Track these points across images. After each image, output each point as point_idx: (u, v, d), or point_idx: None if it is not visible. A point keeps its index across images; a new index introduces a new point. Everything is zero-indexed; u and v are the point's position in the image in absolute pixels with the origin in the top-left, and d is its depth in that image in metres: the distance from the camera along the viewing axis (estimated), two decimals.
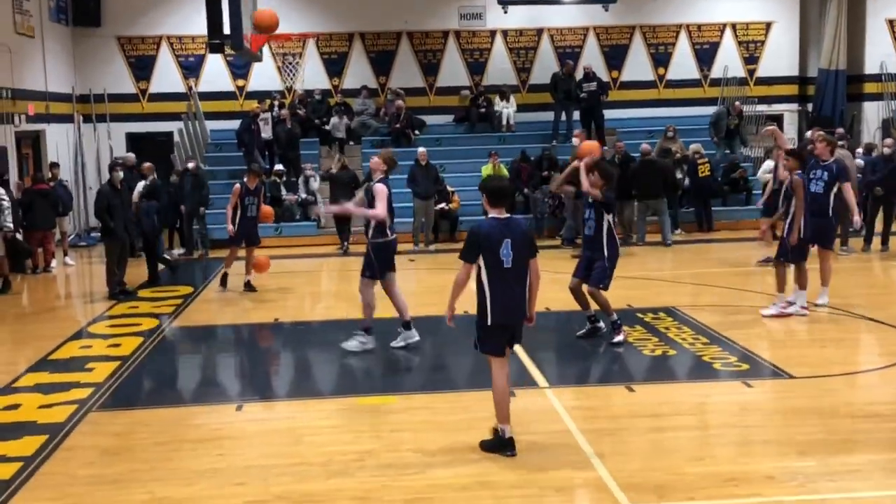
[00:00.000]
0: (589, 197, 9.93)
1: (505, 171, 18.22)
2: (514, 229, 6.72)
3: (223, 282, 13.84)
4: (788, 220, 10.88)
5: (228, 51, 13.02)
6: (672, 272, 14.72)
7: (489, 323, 6.73)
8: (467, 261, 6.72)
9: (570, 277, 10.23)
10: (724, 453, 6.77)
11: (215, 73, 22.38)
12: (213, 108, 22.26)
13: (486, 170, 18.22)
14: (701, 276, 13.68)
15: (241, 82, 22.62)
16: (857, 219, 11.84)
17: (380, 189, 9.83)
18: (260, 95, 21.60)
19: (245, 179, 13.86)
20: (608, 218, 9.88)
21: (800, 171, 10.83)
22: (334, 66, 22.84)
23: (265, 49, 19.68)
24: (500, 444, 6.77)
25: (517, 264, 6.67)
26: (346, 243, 17.72)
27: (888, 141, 16.23)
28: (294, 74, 21.41)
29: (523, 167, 18.94)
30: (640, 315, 11.33)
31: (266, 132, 20.32)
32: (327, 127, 21.27)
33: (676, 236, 18.28)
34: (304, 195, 19.46)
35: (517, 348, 9.79)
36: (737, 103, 21.45)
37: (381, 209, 9.78)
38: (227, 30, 11.97)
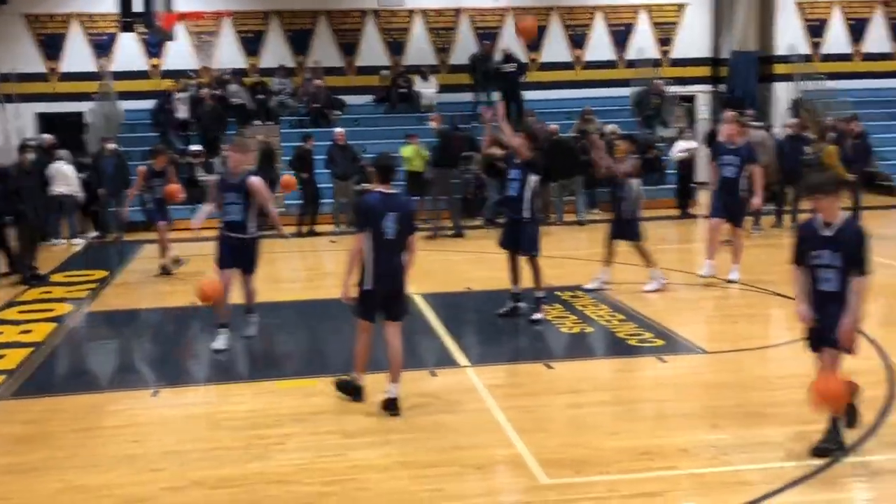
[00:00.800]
0: (515, 158, 9.99)
1: (426, 154, 18.16)
2: (397, 204, 7.28)
3: (176, 262, 13.60)
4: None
5: (141, 29, 12.72)
6: (589, 251, 14.86)
7: (365, 288, 7.22)
8: (359, 231, 7.24)
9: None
10: (640, 427, 6.92)
11: (129, 52, 21.84)
12: (127, 88, 21.72)
13: (406, 151, 18.14)
14: (617, 255, 13.87)
15: (155, 61, 22.12)
16: (756, 201, 12.20)
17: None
18: (175, 74, 21.17)
19: (151, 161, 13.62)
20: (533, 179, 9.89)
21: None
22: (251, 44, 22.49)
23: (180, 28, 19.31)
24: (350, 388, 7.59)
25: (398, 237, 7.19)
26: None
27: (791, 121, 16.68)
28: (209, 53, 21.04)
29: (456, 137, 18.72)
30: (558, 293, 11.45)
31: (182, 112, 19.94)
32: (234, 100, 20.83)
33: (593, 215, 18.49)
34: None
35: (438, 327, 9.91)
36: (657, 82, 21.73)
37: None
38: (138, 8, 11.68)
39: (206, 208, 9.88)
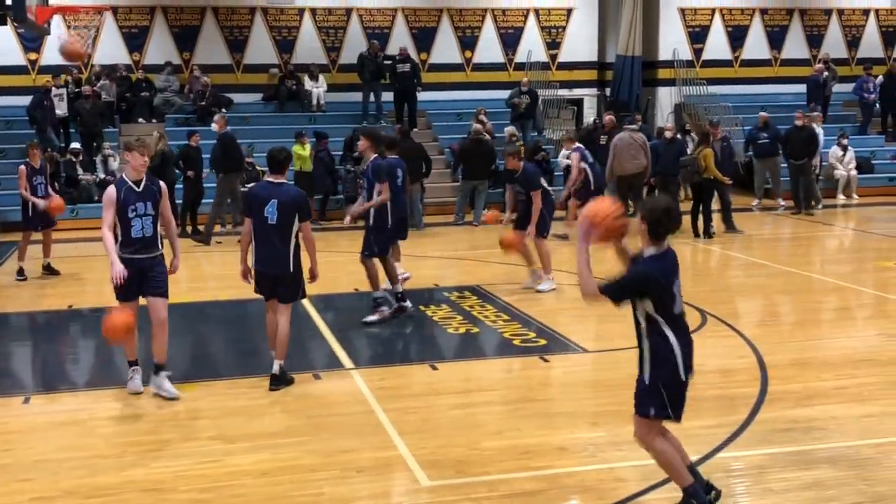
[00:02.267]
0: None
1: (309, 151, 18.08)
2: (282, 192, 7.74)
3: (20, 273, 13.01)
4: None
5: (15, 23, 12.24)
6: (481, 251, 15.01)
7: (254, 268, 7.87)
8: (246, 216, 7.88)
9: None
10: (522, 427, 6.99)
11: (4, 46, 21.00)
12: (3, 83, 20.91)
13: (298, 150, 18.01)
14: (506, 255, 14.01)
15: (33, 56, 21.36)
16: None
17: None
18: (55, 70, 20.44)
19: (27, 158, 13.14)
20: (379, 186, 9.78)
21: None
22: (135, 40, 21.91)
23: (58, 21, 18.65)
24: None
25: (281, 222, 7.64)
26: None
27: (670, 125, 17.15)
28: (89, 49, 20.38)
29: (324, 145, 18.61)
30: (446, 294, 11.53)
31: (61, 108, 19.31)
32: (107, 96, 20.28)
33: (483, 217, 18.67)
34: (102, 175, 18.62)
35: (324, 329, 9.84)
36: (524, 79, 21.92)
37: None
38: (8, 0, 11.22)
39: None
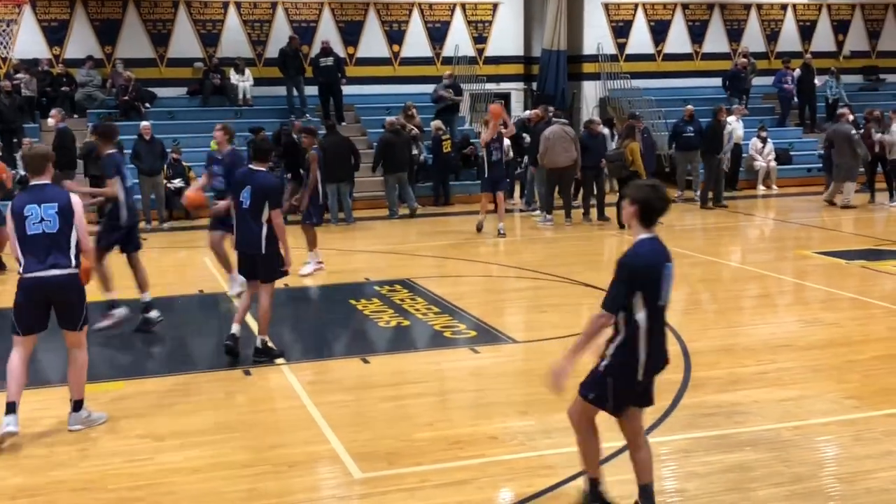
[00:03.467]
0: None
1: None
2: (256, 179, 8.27)
3: None
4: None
5: None
6: (410, 245, 15.08)
7: (235, 248, 8.50)
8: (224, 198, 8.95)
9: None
10: (453, 418, 7.08)
11: None
12: None
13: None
14: (437, 249, 14.12)
15: None
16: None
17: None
18: None
19: None
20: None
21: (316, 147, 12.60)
22: (55, 33, 21.44)
23: None
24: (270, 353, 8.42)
25: (253, 207, 8.18)
26: None
27: (595, 119, 17.41)
28: (7, 42, 19.89)
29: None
30: (377, 288, 11.55)
31: None
32: (26, 91, 19.84)
33: (415, 209, 18.76)
34: (22, 171, 18.18)
35: (253, 325, 9.78)
36: (447, 73, 21.99)
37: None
38: None
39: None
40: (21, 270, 6.60)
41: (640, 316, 5.03)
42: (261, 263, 8.32)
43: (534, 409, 7.09)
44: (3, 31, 19.74)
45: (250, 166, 8.46)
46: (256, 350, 8.41)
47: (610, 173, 16.57)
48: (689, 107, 19.38)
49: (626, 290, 5.00)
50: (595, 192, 16.80)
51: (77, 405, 6.84)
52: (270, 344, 8.52)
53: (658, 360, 5.22)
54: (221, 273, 11.69)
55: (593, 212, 16.81)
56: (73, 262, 6.65)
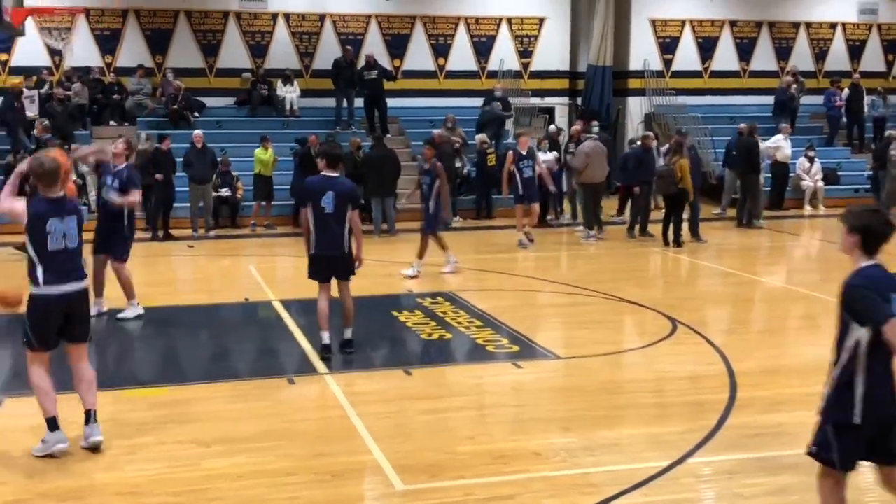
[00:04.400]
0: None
1: (275, 156, 18.22)
2: (337, 185, 8.71)
3: None
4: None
5: None
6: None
7: (312, 253, 8.75)
8: (302, 206, 8.84)
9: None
10: (495, 432, 7.06)
11: None
12: None
13: (261, 154, 18.09)
14: (479, 262, 14.11)
15: (3, 56, 21.18)
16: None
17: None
18: (25, 71, 20.30)
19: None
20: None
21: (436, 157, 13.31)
22: (107, 43, 21.80)
23: (30, 23, 18.55)
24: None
25: (338, 211, 8.62)
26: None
27: (648, 134, 17.35)
28: (62, 51, 20.30)
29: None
30: (419, 300, 11.57)
31: (31, 110, 19.17)
32: (78, 99, 20.16)
33: (454, 222, 18.79)
34: (73, 177, 18.47)
35: (297, 334, 9.87)
36: (498, 86, 22.13)
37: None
38: None
39: None
40: (39, 283, 6.34)
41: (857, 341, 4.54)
42: (342, 263, 8.84)
43: (576, 426, 7.06)
44: (58, 39, 20.14)
45: (325, 173, 8.79)
46: (348, 342, 9.03)
47: (657, 189, 16.43)
48: (743, 125, 19.19)
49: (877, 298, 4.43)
50: (645, 207, 16.79)
51: (95, 415, 6.63)
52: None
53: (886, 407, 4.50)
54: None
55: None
56: (86, 274, 6.71)
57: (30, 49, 20.66)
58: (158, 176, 16.61)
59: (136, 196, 10.35)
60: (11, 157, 17.80)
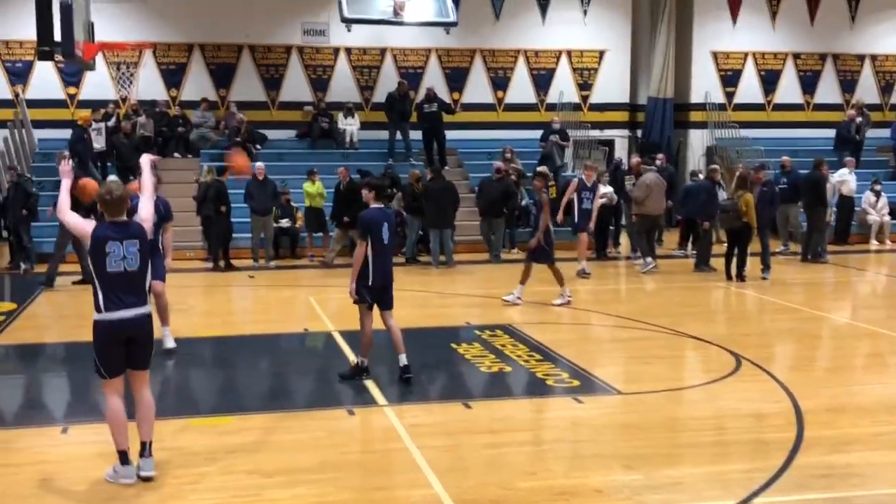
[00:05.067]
0: None
1: (322, 188, 18.38)
2: (390, 216, 9.30)
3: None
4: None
5: (58, 58, 12.51)
6: (510, 290, 15.02)
7: (370, 284, 8.97)
8: (362, 239, 8.96)
9: None
10: (556, 468, 6.97)
11: (45, 80, 21.45)
12: (42, 117, 21.32)
13: (308, 187, 18.26)
14: (537, 294, 14.03)
15: (72, 90, 21.77)
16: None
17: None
18: (93, 104, 20.83)
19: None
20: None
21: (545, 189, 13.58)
22: (172, 76, 22.29)
23: (98, 57, 19.01)
24: (356, 373, 9.18)
25: (390, 241, 9.07)
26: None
27: (715, 168, 17.19)
28: (129, 84, 20.78)
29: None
30: (477, 332, 11.53)
31: (99, 142, 19.63)
32: (143, 131, 20.57)
33: (513, 255, 18.76)
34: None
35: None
36: (555, 118, 22.27)
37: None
38: (57, 37, 11.50)
39: None
40: (101, 309, 6.40)
41: None
42: (390, 292, 9.22)
43: (639, 464, 6.95)
44: (125, 73, 20.64)
45: (381, 207, 9.17)
46: (403, 368, 9.16)
47: (721, 223, 16.18)
48: (785, 158, 18.93)
49: None
50: (708, 241, 16.65)
51: (150, 448, 6.63)
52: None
53: None
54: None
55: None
56: (149, 300, 6.69)
57: (98, 82, 21.21)
58: (222, 207, 16.86)
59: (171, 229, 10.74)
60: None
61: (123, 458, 6.50)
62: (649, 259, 16.47)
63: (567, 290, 13.51)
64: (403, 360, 9.15)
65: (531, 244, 13.37)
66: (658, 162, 18.19)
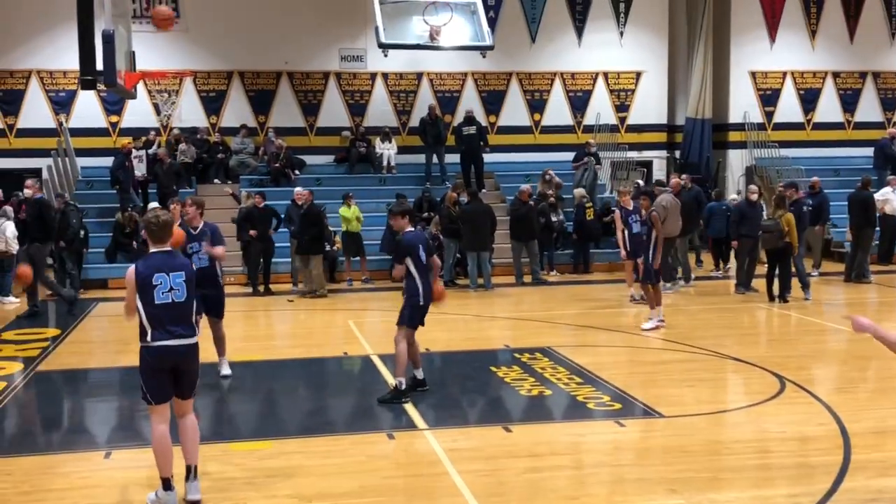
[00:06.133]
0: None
1: (359, 213, 18.44)
2: (423, 238, 9.56)
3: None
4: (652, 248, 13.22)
5: (101, 87, 12.72)
6: (549, 312, 14.97)
7: (421, 304, 9.27)
8: (399, 262, 9.21)
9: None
10: (598, 492, 6.90)
11: (87, 109, 21.82)
12: (85, 145, 21.67)
13: (344, 212, 18.33)
14: (577, 317, 13.96)
15: (114, 118, 22.11)
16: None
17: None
18: (135, 132, 21.16)
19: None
20: None
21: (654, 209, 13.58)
22: (212, 103, 22.57)
23: (140, 85, 19.31)
24: (396, 396, 9.24)
25: (427, 261, 9.29)
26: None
27: (752, 188, 17.02)
28: (169, 112, 21.11)
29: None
30: (517, 355, 11.48)
31: (140, 169, 19.90)
32: (184, 158, 20.82)
33: (551, 277, 18.69)
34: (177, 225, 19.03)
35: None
36: (591, 140, 22.25)
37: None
38: (99, 66, 11.70)
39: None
40: (148, 339, 6.44)
41: None
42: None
43: (684, 488, 6.85)
44: (166, 101, 20.94)
45: (410, 229, 9.41)
46: (417, 381, 9.64)
47: (763, 244, 15.94)
48: (815, 179, 18.66)
49: None
50: (748, 263, 16.41)
51: (195, 471, 6.66)
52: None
53: None
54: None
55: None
56: (197, 330, 6.69)
57: (139, 110, 21.53)
58: (252, 232, 17.00)
59: (222, 249, 10.24)
60: (120, 214, 18.49)
61: (166, 484, 6.51)
62: (668, 284, 16.21)
63: (660, 312, 13.26)
64: (421, 373, 9.68)
65: (654, 265, 13.20)
66: (682, 183, 18.07)
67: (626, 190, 16.25)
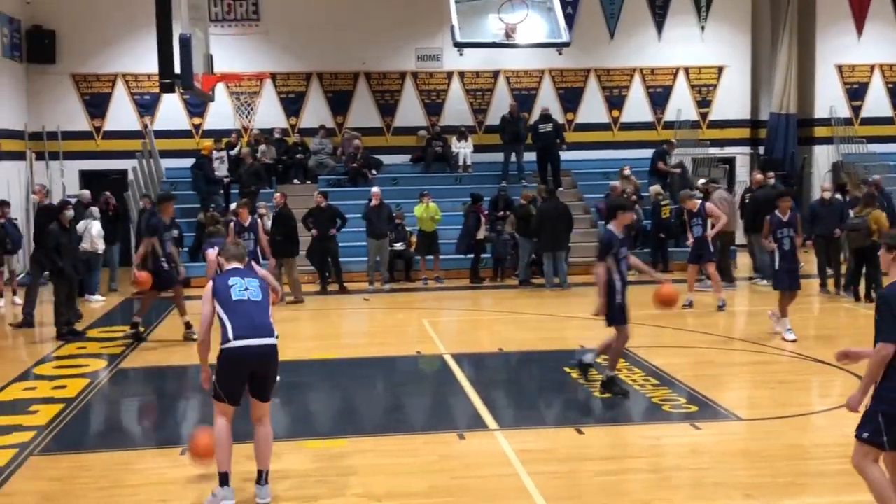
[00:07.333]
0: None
1: (437, 211, 18.39)
2: (623, 237, 9.55)
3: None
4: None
5: (180, 89, 12.96)
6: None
7: (618, 301, 9.41)
8: (602, 260, 9.36)
9: None
10: (674, 496, 6.76)
11: (171, 111, 22.29)
12: (169, 146, 22.15)
13: (419, 210, 18.32)
14: (653, 317, 13.73)
15: (197, 120, 22.54)
16: None
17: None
18: (217, 134, 21.54)
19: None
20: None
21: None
22: (292, 105, 22.86)
23: (220, 87, 19.66)
24: (609, 387, 9.51)
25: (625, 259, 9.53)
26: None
27: (826, 185, 16.52)
28: (249, 114, 21.45)
29: (479, 208, 18.91)
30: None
31: (221, 170, 20.24)
32: (265, 158, 21.08)
33: (629, 276, 18.39)
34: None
35: (468, 388, 9.84)
36: (673, 139, 21.84)
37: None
38: (177, 69, 11.92)
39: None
40: (229, 337, 6.44)
41: None
42: None
43: (761, 493, 6.67)
44: (246, 103, 21.28)
45: (610, 227, 9.51)
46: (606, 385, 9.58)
47: (850, 242, 15.43)
48: (876, 177, 17.98)
49: None
50: (829, 262, 15.95)
51: (267, 476, 6.66)
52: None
53: None
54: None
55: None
56: (275, 332, 6.71)
57: (221, 112, 21.92)
58: (313, 231, 17.15)
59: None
60: (202, 214, 18.81)
61: (223, 479, 6.54)
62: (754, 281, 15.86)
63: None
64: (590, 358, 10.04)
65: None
66: (770, 179, 17.65)
67: (689, 195, 15.84)
